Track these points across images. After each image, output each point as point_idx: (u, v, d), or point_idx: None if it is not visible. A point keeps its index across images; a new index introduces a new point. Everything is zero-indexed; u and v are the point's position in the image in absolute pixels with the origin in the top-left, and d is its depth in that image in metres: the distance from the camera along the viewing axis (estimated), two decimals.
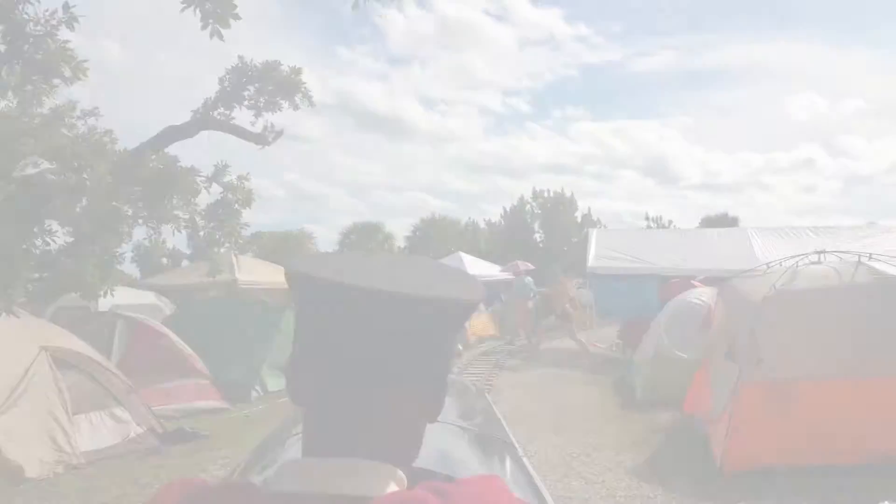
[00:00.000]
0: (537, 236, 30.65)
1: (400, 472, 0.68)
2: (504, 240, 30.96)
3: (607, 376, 12.14)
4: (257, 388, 9.76)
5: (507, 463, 1.94)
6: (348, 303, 0.65)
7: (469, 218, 45.48)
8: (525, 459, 2.10)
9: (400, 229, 44.40)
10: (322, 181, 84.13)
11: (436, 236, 39.19)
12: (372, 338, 0.67)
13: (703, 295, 10.22)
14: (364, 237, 39.33)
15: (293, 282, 0.69)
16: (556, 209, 29.36)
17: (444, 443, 1.91)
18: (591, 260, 14.76)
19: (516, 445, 2.24)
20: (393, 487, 0.66)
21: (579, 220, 29.75)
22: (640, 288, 14.24)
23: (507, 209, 30.80)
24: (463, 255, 24.00)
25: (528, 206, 30.32)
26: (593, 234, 16.05)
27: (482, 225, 37.02)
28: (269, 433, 2.26)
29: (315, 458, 0.68)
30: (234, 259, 16.05)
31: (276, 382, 9.67)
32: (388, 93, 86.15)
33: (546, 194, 30.20)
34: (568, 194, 30.14)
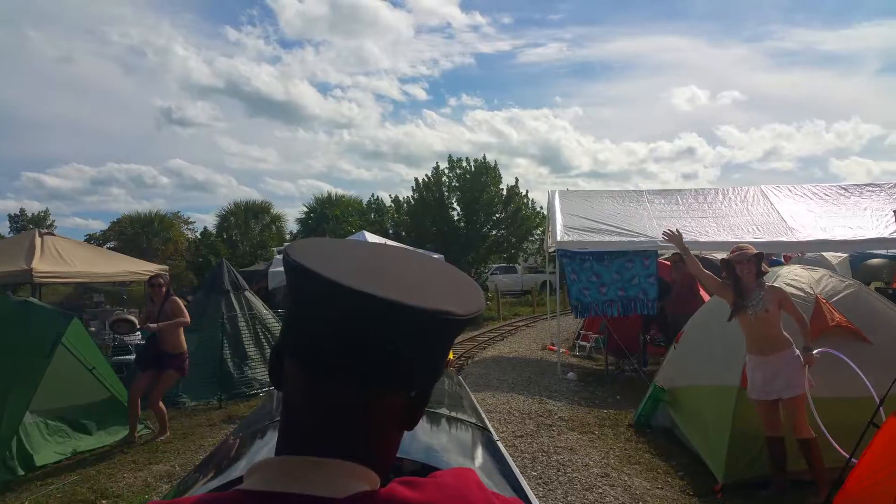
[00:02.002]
0: (455, 213, 26.46)
1: (372, 473, 0.69)
2: (416, 218, 26.54)
3: (604, 411, 8.05)
4: (11, 459, 5.76)
5: (484, 450, 2.08)
6: (347, 304, 0.64)
7: (373, 195, 40.94)
8: (501, 445, 2.21)
9: (295, 215, 39.16)
10: (211, 168, 79.15)
11: (334, 216, 34.28)
12: (366, 340, 0.65)
13: (800, 278, 6.33)
14: (246, 219, 33.49)
15: (287, 271, 0.69)
16: (478, 180, 25.27)
17: (423, 430, 2.02)
18: (559, 233, 10.61)
19: (492, 432, 2.37)
20: (364, 488, 0.66)
21: (504, 193, 25.80)
22: (632, 269, 10.31)
23: (420, 181, 26.35)
24: (367, 234, 19.46)
25: (444, 178, 26.04)
26: (556, 199, 11.93)
27: (388, 202, 32.44)
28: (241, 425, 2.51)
29: (285, 457, 0.68)
30: (37, 241, 11.24)
31: (53, 448, 6.20)
32: (281, 77, 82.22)
33: (465, 163, 26.05)
34: (492, 162, 26.08)
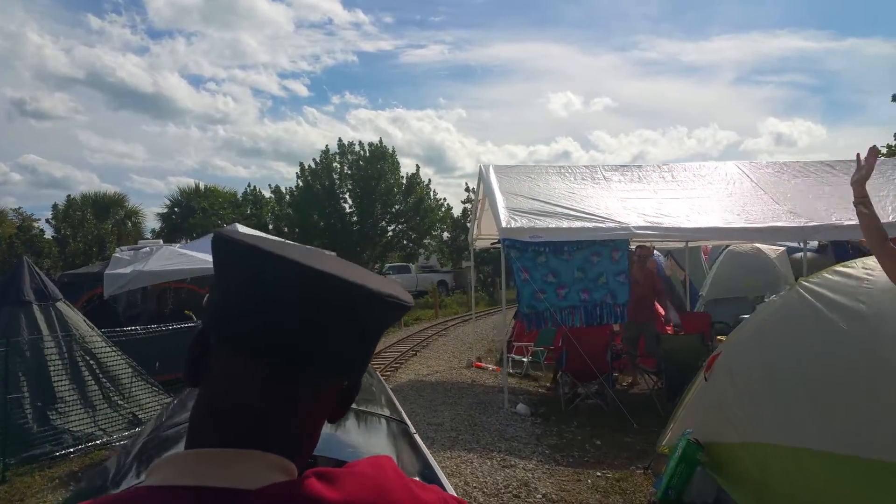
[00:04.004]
0: (347, 205, 23.44)
1: (290, 464, 0.67)
2: (302, 210, 23.28)
3: (597, 473, 5.80)
4: None
5: (401, 442, 2.13)
6: (298, 285, 0.64)
7: (249, 186, 36.94)
8: (417, 437, 2.26)
9: (159, 210, 34.63)
10: (70, 164, 73.53)
11: (201, 209, 30.17)
12: (305, 323, 0.65)
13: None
14: (96, 213, 28.61)
15: (234, 254, 0.67)
16: (375, 168, 22.35)
17: (339, 426, 1.98)
18: (504, 218, 8.07)
19: (409, 424, 2.40)
20: (279, 478, 0.65)
21: (404, 182, 23.05)
22: (598, 264, 8.03)
23: (307, 167, 23.03)
24: (241, 227, 16.12)
25: (334, 164, 22.89)
26: (492, 175, 9.38)
27: (268, 193, 28.79)
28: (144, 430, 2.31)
29: (196, 450, 0.66)
30: None
31: None
32: (150, 68, 77.30)
33: (359, 148, 23.03)
34: (389, 148, 23.21)
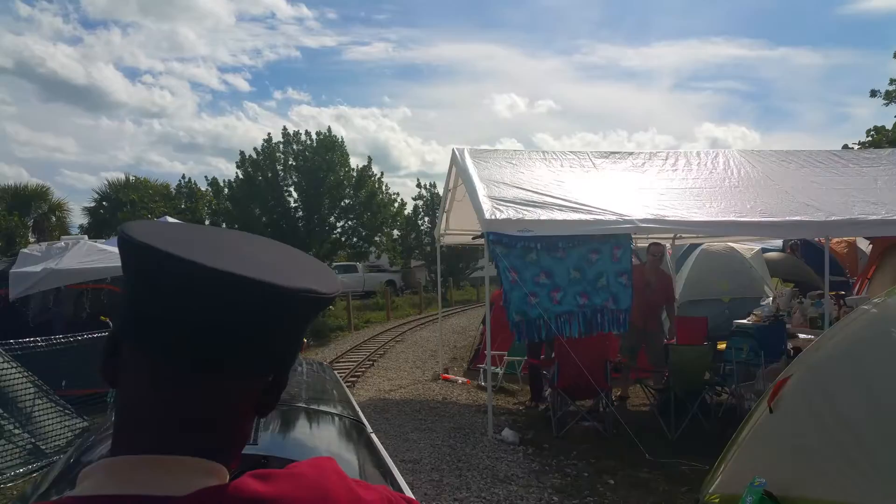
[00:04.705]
0: (292, 199, 21.81)
1: (220, 467, 0.66)
2: (241, 204, 21.55)
3: None
4: None
5: (358, 443, 2.09)
6: (198, 285, 0.60)
7: (184, 178, 34.75)
8: (374, 437, 2.24)
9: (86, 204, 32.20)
10: None
11: (130, 201, 28.04)
12: (215, 323, 0.62)
13: None
14: (10, 209, 26.11)
15: (131, 252, 0.63)
16: (323, 159, 20.79)
17: (294, 425, 2.04)
18: (487, 209, 6.83)
19: (366, 424, 2.37)
20: (210, 483, 0.63)
21: (355, 175, 21.55)
22: (597, 263, 6.94)
23: (248, 156, 21.25)
24: (170, 219, 14.45)
25: (278, 154, 21.21)
26: (468, 160, 8.14)
27: (204, 186, 26.81)
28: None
29: (121, 457, 0.64)
30: None
31: None
32: (83, 59, 74.58)
33: (305, 138, 21.39)
34: (339, 138, 21.63)
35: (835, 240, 15.07)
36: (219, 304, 0.61)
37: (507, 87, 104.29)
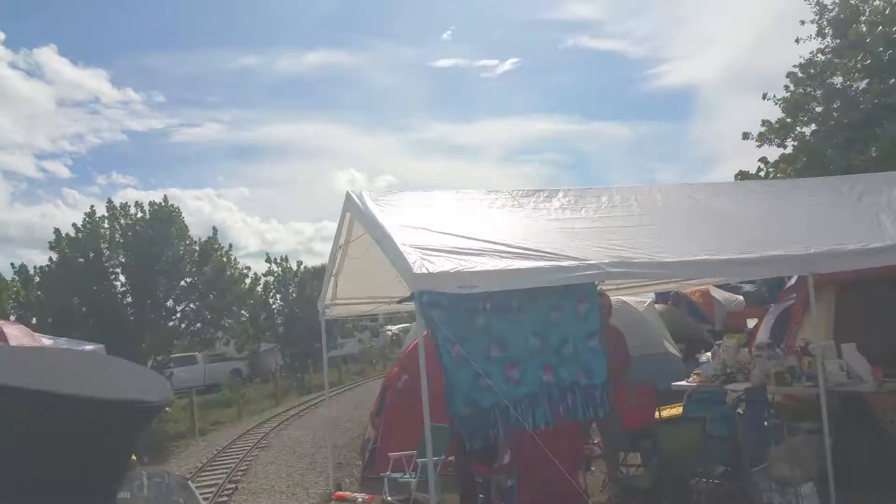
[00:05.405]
0: (119, 283, 18.41)
1: None
2: (56, 293, 17.80)
3: None
4: None
5: None
6: (22, 405, 0.56)
7: None
8: None
9: None
10: None
11: None
12: (19, 445, 0.57)
13: None
14: None
15: None
16: (158, 233, 17.71)
17: None
18: (414, 262, 4.90)
19: None
20: None
21: (198, 248, 18.60)
22: (561, 324, 5.19)
23: (63, 237, 17.66)
24: None
25: (103, 230, 17.85)
26: (368, 203, 6.21)
27: (9, 275, 22.33)
28: None
29: None
30: None
31: None
32: None
33: (135, 210, 18.20)
34: (174, 206, 18.64)
35: (689, 290, 14.73)
36: (34, 423, 0.56)
37: (346, 163, 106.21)
